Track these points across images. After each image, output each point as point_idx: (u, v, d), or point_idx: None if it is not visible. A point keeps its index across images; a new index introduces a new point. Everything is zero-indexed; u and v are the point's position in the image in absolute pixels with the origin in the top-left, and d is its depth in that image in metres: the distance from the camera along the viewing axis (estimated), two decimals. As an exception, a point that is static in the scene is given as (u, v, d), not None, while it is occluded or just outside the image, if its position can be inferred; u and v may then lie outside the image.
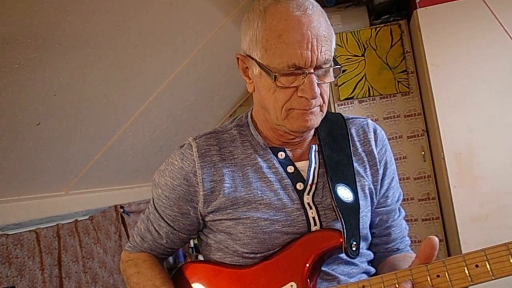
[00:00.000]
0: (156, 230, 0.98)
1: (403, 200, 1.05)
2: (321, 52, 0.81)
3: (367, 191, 0.94)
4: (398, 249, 1.01)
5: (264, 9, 0.84)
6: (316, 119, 0.87)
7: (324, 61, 0.82)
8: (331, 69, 0.85)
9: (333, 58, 0.86)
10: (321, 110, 0.88)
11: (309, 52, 0.80)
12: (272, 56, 0.81)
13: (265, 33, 0.82)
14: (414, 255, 0.96)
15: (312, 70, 0.81)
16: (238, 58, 0.91)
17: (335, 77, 0.87)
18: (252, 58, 0.86)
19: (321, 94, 0.85)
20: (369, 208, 0.95)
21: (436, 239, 0.74)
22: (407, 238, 1.04)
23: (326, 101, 0.88)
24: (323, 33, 0.82)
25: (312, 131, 0.97)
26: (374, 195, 0.97)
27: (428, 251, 0.73)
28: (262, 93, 0.87)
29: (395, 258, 0.99)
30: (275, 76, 0.81)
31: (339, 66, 0.86)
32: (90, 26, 1.55)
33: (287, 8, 0.82)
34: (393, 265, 0.96)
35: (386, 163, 0.98)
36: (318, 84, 0.83)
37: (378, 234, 1.01)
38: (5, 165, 1.69)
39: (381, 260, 1.01)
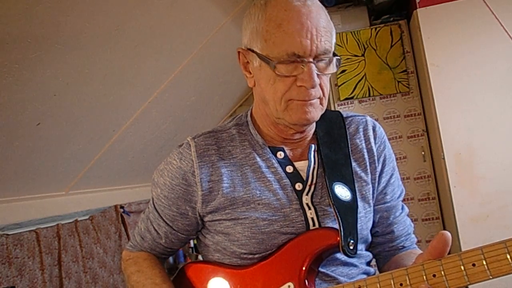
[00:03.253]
0: (156, 230, 0.98)
1: (403, 199, 1.04)
2: (320, 41, 0.82)
3: (365, 193, 0.94)
4: (403, 247, 0.99)
5: (264, 2, 0.85)
6: (315, 112, 0.86)
7: (324, 51, 0.83)
8: (331, 62, 0.86)
9: (333, 52, 0.86)
10: (321, 104, 0.87)
11: (309, 41, 0.81)
12: (272, 45, 0.82)
13: (265, 24, 0.83)
14: (419, 251, 0.95)
15: (311, 60, 0.82)
16: (239, 53, 0.92)
17: (337, 66, 0.87)
18: (253, 51, 0.87)
19: (321, 87, 0.85)
20: (369, 209, 0.94)
21: (449, 235, 0.71)
22: (413, 235, 1.02)
23: (326, 95, 0.87)
24: (323, 24, 0.83)
25: (312, 130, 0.96)
26: (374, 194, 0.96)
27: (440, 247, 0.71)
28: (262, 85, 0.88)
29: (400, 256, 0.98)
30: (275, 65, 0.82)
31: (338, 57, 0.86)
32: (90, 26, 1.55)
33: (286, 0, 0.83)
34: (398, 263, 0.95)
35: (384, 160, 0.98)
36: (318, 75, 0.83)
37: (381, 233, 0.99)
38: (5, 165, 1.69)
39: (387, 260, 1.00)
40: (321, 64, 0.84)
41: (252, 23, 0.87)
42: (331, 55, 0.85)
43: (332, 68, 0.86)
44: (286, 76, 0.83)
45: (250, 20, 0.88)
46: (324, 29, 0.83)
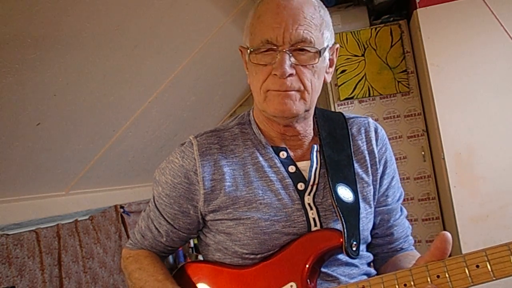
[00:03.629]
0: (156, 228, 0.98)
1: (404, 200, 1.05)
2: (296, 30, 0.82)
3: (366, 194, 0.94)
4: (402, 249, 1.00)
5: (258, 3, 0.88)
6: (294, 105, 0.85)
7: (301, 39, 0.82)
8: (319, 55, 0.84)
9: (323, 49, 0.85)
10: (303, 98, 0.86)
11: (282, 29, 0.82)
12: (253, 37, 0.85)
13: (252, 19, 0.87)
14: (417, 253, 0.96)
15: (286, 49, 0.82)
16: (241, 51, 0.93)
17: (317, 60, 0.84)
18: (246, 47, 0.89)
19: (300, 78, 0.84)
20: (370, 210, 0.94)
21: (449, 235, 0.72)
22: (411, 237, 1.03)
23: (309, 89, 0.85)
24: (305, 15, 0.83)
25: (310, 128, 0.95)
26: (375, 196, 0.97)
27: (443, 246, 0.72)
28: (250, 79, 0.89)
29: (397, 258, 0.98)
30: (249, 53, 0.84)
31: (316, 49, 0.84)
32: (90, 26, 1.54)
33: None
34: (395, 265, 0.96)
35: (386, 162, 0.98)
36: (295, 65, 0.83)
37: (381, 234, 1.00)
38: (5, 165, 1.69)
39: (384, 261, 1.01)
40: (302, 57, 0.84)
41: (247, 21, 0.90)
42: (315, 47, 0.83)
43: (316, 61, 0.84)
44: (264, 65, 0.84)
45: (247, 18, 0.90)
46: (305, 20, 0.83)
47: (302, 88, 0.85)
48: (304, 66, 0.84)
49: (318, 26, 0.85)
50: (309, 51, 0.84)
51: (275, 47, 0.82)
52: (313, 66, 0.85)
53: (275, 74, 0.83)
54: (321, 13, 0.87)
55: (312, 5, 0.86)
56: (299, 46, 0.83)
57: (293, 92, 0.84)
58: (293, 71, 0.83)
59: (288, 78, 0.83)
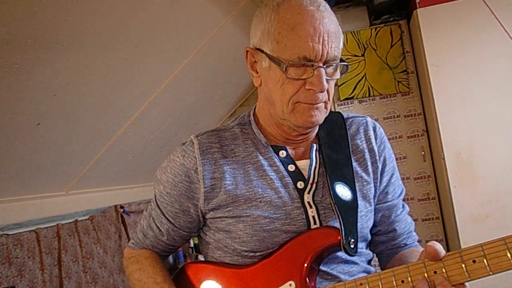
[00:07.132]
0: (158, 227, 0.99)
1: (404, 199, 1.05)
2: (331, 47, 0.83)
3: (366, 192, 0.95)
4: (406, 245, 1.01)
5: (277, 4, 0.86)
6: (320, 115, 0.88)
7: (333, 57, 0.84)
8: (337, 67, 0.88)
9: (341, 58, 0.88)
10: (325, 107, 0.89)
11: (320, 46, 0.82)
12: (284, 48, 0.83)
13: (278, 25, 0.84)
14: (422, 249, 0.97)
15: (321, 64, 0.83)
16: (247, 52, 0.92)
17: (341, 74, 0.89)
18: (262, 51, 0.87)
19: (327, 90, 0.86)
20: (370, 208, 0.95)
21: (434, 246, 0.72)
22: (415, 233, 1.04)
23: (331, 99, 0.89)
24: (334, 30, 0.85)
25: (316, 130, 0.97)
26: (376, 193, 0.97)
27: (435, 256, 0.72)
28: (270, 86, 0.88)
29: (403, 254, 0.99)
30: (286, 67, 0.83)
31: (346, 64, 0.88)
32: (90, 26, 1.55)
33: (300, 3, 0.84)
34: (401, 261, 0.96)
35: (385, 160, 0.99)
36: (326, 79, 0.84)
37: (384, 231, 1.01)
38: (5, 165, 1.69)
39: (390, 257, 1.01)
40: (329, 69, 0.86)
41: (263, 24, 0.87)
42: (338, 60, 0.86)
43: (338, 74, 0.88)
44: (295, 79, 0.84)
45: (261, 20, 0.88)
46: (334, 35, 0.84)
47: (327, 99, 0.87)
48: (331, 79, 0.86)
49: (340, 39, 0.87)
50: (334, 65, 0.86)
51: (310, 62, 0.83)
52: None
53: (310, 89, 0.83)
54: (337, 23, 0.88)
55: (333, 15, 0.87)
56: (330, 62, 0.85)
57: (321, 104, 0.87)
58: (327, 86, 0.85)
59: (321, 93, 0.85)
